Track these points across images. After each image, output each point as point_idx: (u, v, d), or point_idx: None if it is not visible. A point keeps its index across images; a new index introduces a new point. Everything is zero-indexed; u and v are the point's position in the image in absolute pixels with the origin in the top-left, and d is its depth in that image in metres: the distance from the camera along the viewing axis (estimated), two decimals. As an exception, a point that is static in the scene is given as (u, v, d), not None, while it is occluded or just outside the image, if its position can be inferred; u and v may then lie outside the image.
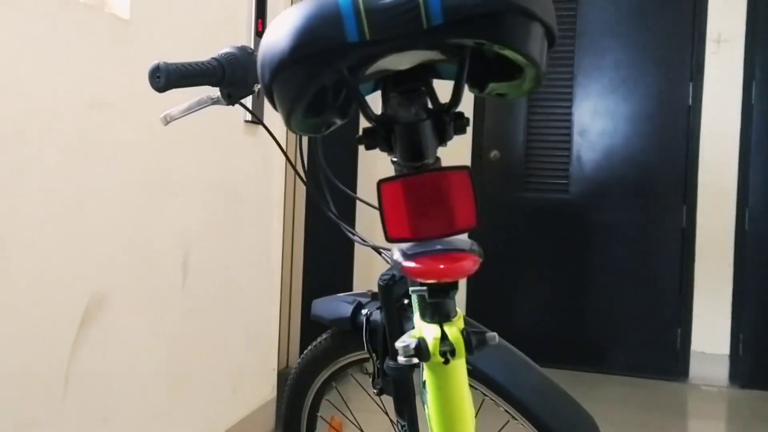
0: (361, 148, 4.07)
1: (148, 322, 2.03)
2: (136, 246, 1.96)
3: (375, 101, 0.83)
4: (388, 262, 1.04)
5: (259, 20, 2.50)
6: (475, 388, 1.28)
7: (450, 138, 0.81)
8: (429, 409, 0.86)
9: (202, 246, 2.28)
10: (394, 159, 0.81)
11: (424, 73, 0.82)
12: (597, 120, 4.30)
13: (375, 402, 1.51)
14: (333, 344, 1.47)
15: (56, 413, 1.69)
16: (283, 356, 3.32)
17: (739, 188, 4.02)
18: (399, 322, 1.20)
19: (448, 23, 0.68)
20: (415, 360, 0.81)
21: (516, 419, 1.24)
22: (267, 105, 2.46)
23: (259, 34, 2.49)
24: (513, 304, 4.40)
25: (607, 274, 4.25)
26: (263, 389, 2.76)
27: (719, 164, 4.06)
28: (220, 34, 2.30)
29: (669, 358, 4.14)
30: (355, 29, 0.69)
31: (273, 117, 2.57)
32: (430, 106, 0.82)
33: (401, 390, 1.27)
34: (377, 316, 1.29)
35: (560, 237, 4.34)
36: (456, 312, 0.83)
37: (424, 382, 0.91)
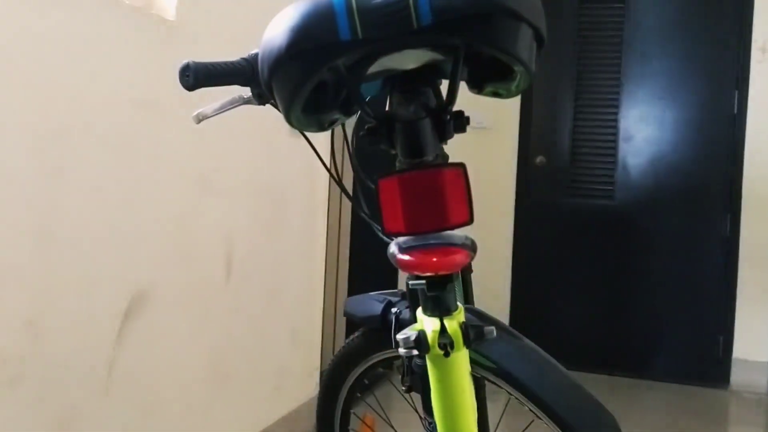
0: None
1: (191, 318, 2.08)
2: (180, 244, 2.02)
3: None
4: None
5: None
6: (500, 387, 1.30)
7: (450, 136, 0.83)
8: (432, 401, 0.88)
9: (246, 246, 2.33)
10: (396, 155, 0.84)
11: (430, 73, 0.84)
12: (643, 127, 4.28)
13: (405, 399, 1.53)
14: (364, 342, 1.50)
15: (99, 404, 1.74)
16: (327, 355, 3.36)
17: (784, 197, 3.98)
18: None
19: (436, 23, 0.70)
20: (415, 351, 0.84)
21: (540, 418, 1.26)
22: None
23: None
24: (556, 309, 4.39)
25: (650, 280, 4.22)
26: (306, 387, 2.80)
27: (763, 173, 4.01)
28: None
29: (711, 365, 4.09)
30: (348, 28, 0.71)
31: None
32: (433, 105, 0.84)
33: (429, 387, 1.29)
34: (406, 314, 1.31)
35: (604, 243, 4.32)
36: (457, 306, 0.86)
37: None
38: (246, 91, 1.07)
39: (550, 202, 4.41)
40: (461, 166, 0.79)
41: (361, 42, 0.72)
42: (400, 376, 1.35)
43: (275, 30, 0.75)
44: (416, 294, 1.27)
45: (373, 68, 0.81)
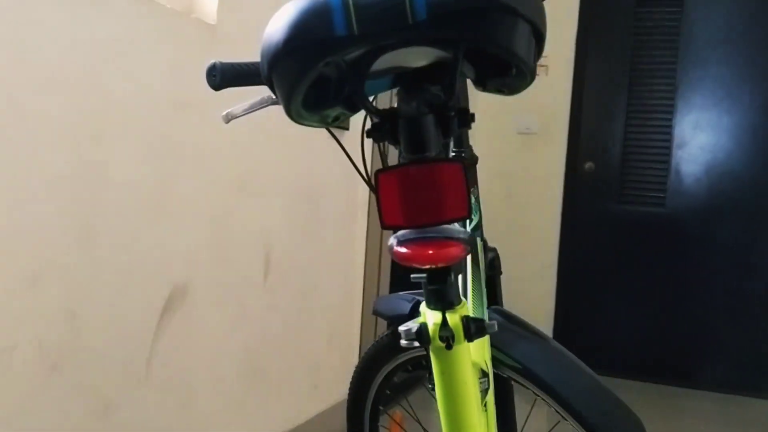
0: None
1: (228, 314, 2.13)
2: (218, 242, 2.07)
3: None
4: None
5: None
6: (526, 387, 1.31)
7: (454, 133, 0.83)
8: (436, 393, 0.90)
9: (284, 245, 2.38)
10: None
11: (439, 71, 0.84)
12: (698, 133, 4.22)
13: (432, 397, 1.55)
14: (393, 341, 1.52)
15: (137, 396, 1.80)
16: (367, 356, 3.38)
17: (844, 206, 3.88)
18: None
19: (431, 19, 0.71)
20: (416, 343, 0.86)
21: (565, 419, 1.27)
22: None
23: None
24: (603, 316, 4.35)
25: (700, 289, 4.16)
26: (343, 386, 2.83)
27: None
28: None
29: (761, 375, 4.02)
30: (344, 23, 0.72)
31: (354, 121, 2.63)
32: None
33: None
34: None
35: (654, 251, 4.27)
36: (460, 300, 0.87)
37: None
38: None
39: (599, 209, 4.38)
40: (460, 161, 0.80)
41: (357, 37, 0.73)
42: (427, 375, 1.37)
43: (274, 26, 0.77)
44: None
45: (381, 65, 0.82)
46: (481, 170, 4.52)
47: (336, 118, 0.91)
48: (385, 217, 0.81)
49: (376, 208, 3.31)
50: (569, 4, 4.38)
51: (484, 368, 1.09)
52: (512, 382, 1.48)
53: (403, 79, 0.86)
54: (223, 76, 1.09)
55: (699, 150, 4.21)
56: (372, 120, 0.86)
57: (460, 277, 1.25)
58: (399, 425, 1.90)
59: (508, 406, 1.59)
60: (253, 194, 2.21)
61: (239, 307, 2.19)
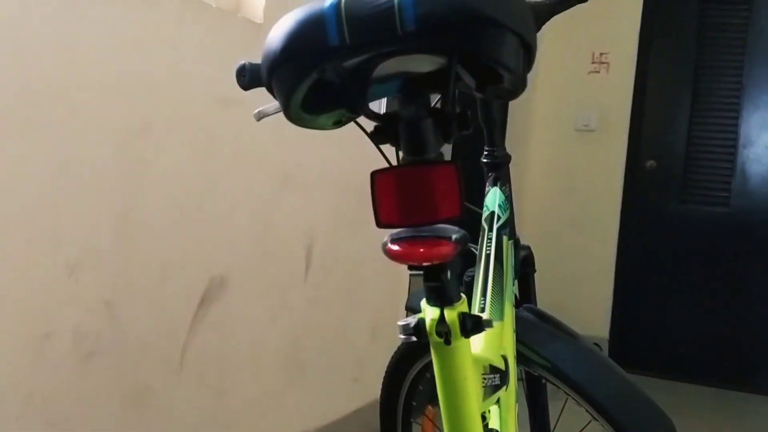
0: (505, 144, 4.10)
1: (267, 306, 2.17)
2: (260, 235, 2.11)
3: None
4: None
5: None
6: (558, 387, 1.31)
7: (454, 134, 0.85)
8: (437, 387, 0.92)
9: (327, 240, 2.40)
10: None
11: (443, 77, 0.86)
12: (764, 132, 4.16)
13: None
14: (425, 336, 1.53)
15: (172, 383, 1.85)
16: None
17: None
18: None
19: (420, 30, 0.74)
20: (414, 338, 0.88)
21: (596, 419, 1.26)
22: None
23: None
24: (662, 317, 4.29)
25: (764, 291, 4.07)
26: (388, 382, 2.84)
27: None
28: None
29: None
30: (336, 33, 0.76)
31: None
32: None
33: None
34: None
35: (717, 251, 4.20)
36: (460, 297, 0.88)
37: None
38: None
39: (660, 207, 4.31)
40: (454, 164, 0.82)
41: (349, 47, 0.76)
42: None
43: (273, 35, 0.81)
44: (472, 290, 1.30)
45: (387, 70, 0.85)
46: (539, 167, 4.49)
47: (339, 121, 0.94)
48: (381, 216, 0.83)
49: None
50: (632, 1, 4.32)
51: (496, 364, 1.10)
52: (544, 381, 1.48)
53: (406, 84, 0.89)
54: (251, 77, 1.16)
55: (765, 149, 4.14)
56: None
57: (481, 274, 1.26)
58: (431, 421, 1.91)
59: (540, 405, 1.59)
60: (296, 189, 2.24)
61: (280, 300, 2.22)
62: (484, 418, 1.08)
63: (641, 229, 4.34)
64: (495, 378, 1.09)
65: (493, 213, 1.34)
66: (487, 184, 1.41)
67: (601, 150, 4.38)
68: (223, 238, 1.98)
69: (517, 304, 1.42)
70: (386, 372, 1.72)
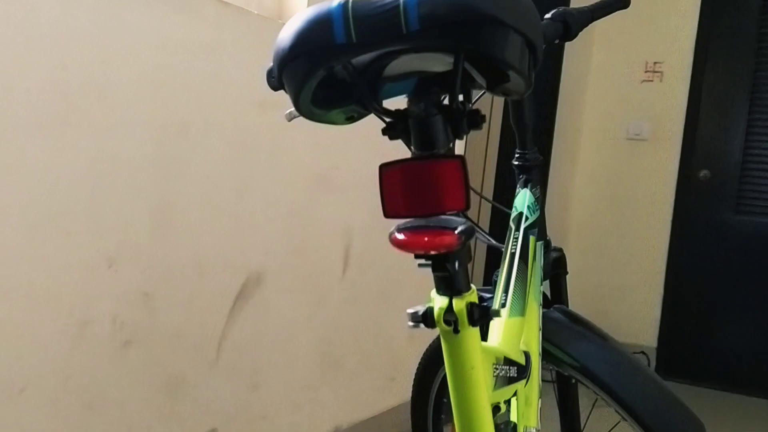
0: (555, 152, 4.11)
1: (303, 304, 2.23)
2: (296, 234, 2.17)
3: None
4: None
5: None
6: (588, 387, 1.34)
7: (464, 131, 0.89)
8: (447, 376, 0.96)
9: (364, 241, 2.45)
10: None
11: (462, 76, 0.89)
12: (823, 143, 4.06)
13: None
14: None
15: (207, 375, 1.92)
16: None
17: None
18: None
19: (423, 29, 0.77)
20: (422, 326, 0.92)
21: (625, 420, 1.28)
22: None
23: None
24: (713, 328, 4.22)
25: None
26: (426, 383, 2.87)
27: None
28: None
29: None
30: (343, 32, 0.80)
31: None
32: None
33: None
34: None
35: (772, 263, 4.12)
36: (469, 288, 0.92)
37: None
38: None
39: (713, 218, 4.25)
40: (459, 158, 0.85)
41: (355, 45, 0.80)
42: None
43: (284, 34, 0.86)
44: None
45: (401, 69, 0.89)
46: (588, 176, 4.47)
47: (351, 117, 1.00)
48: (387, 208, 0.88)
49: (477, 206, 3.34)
50: (688, 10, 4.27)
51: (513, 357, 1.13)
52: (574, 381, 1.50)
53: (419, 82, 0.93)
54: (280, 78, 1.21)
55: (823, 160, 4.05)
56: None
57: (504, 272, 1.30)
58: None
59: (571, 405, 1.61)
60: (333, 190, 2.30)
61: (316, 299, 2.28)
62: (499, 408, 1.11)
63: (692, 240, 4.28)
64: (510, 370, 1.12)
65: (521, 214, 1.37)
66: (518, 185, 1.44)
67: (652, 159, 4.34)
68: (260, 236, 2.04)
69: (549, 305, 1.46)
70: (417, 370, 1.76)
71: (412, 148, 0.91)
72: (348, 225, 2.38)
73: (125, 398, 1.71)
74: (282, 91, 0.93)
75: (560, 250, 1.54)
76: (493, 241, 1.45)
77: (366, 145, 2.40)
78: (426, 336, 2.85)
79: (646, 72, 4.33)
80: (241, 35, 1.92)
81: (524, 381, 1.18)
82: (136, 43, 1.66)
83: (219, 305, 1.94)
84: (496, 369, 1.06)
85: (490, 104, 3.52)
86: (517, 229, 1.35)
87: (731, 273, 4.20)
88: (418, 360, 2.82)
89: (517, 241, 1.33)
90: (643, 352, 4.17)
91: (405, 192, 0.86)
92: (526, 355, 1.20)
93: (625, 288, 4.35)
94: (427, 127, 0.88)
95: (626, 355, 1.36)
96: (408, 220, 0.87)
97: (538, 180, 1.45)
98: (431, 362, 1.75)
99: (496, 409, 1.09)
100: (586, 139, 4.48)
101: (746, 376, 4.12)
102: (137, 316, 1.72)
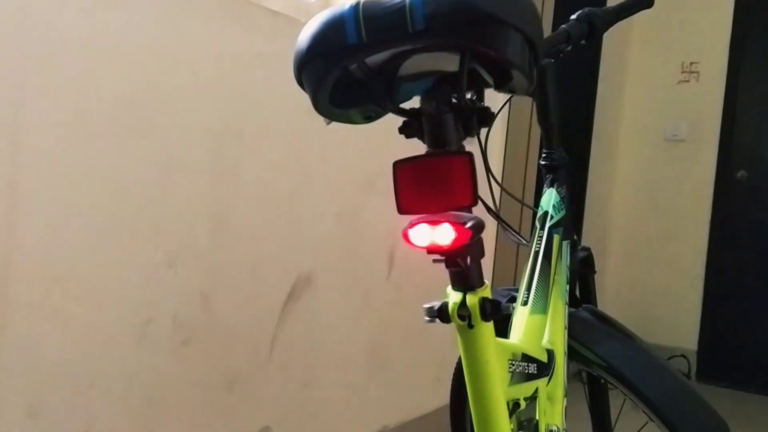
0: (593, 154, 4.12)
1: (351, 304, 2.28)
2: (344, 237, 2.22)
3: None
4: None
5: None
6: (616, 387, 1.35)
7: (474, 129, 0.93)
8: (463, 369, 0.98)
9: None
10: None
11: (470, 75, 0.92)
12: None
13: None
14: (492, 334, 1.58)
15: (260, 373, 1.97)
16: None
17: None
18: None
19: (428, 28, 0.81)
20: (437, 320, 0.95)
21: (652, 420, 1.30)
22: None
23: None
24: (755, 331, 4.19)
25: None
26: (470, 383, 2.89)
27: None
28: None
29: None
30: (355, 33, 0.84)
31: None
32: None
33: None
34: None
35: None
36: (483, 283, 0.95)
37: None
38: None
39: (752, 218, 4.22)
40: (467, 155, 0.88)
41: (366, 45, 0.84)
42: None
43: (302, 36, 0.91)
44: None
45: (417, 69, 0.92)
46: (626, 177, 4.48)
47: (368, 117, 1.02)
48: (402, 205, 0.91)
49: (518, 208, 3.38)
50: (723, 10, 4.27)
51: (533, 354, 1.14)
52: (603, 381, 1.51)
53: (435, 83, 0.96)
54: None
55: None
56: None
57: (528, 270, 1.30)
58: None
59: (601, 404, 1.63)
60: (380, 193, 2.34)
61: (363, 299, 2.33)
62: (518, 405, 1.10)
63: (732, 241, 4.26)
64: (528, 367, 1.12)
65: (546, 213, 1.38)
66: (545, 185, 1.45)
67: (690, 160, 4.33)
68: (310, 238, 2.10)
69: (577, 305, 1.46)
70: (454, 372, 1.77)
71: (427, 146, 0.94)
72: (393, 228, 2.41)
73: (185, 394, 1.77)
74: None
75: (588, 249, 1.55)
76: (524, 241, 1.44)
77: (410, 150, 2.44)
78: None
79: (682, 72, 4.33)
80: (292, 44, 1.97)
81: (546, 379, 1.19)
82: (196, 54, 1.73)
83: (271, 305, 2.00)
84: (512, 365, 1.07)
85: (530, 105, 3.54)
86: (542, 228, 1.36)
87: (770, 275, 4.18)
88: (461, 361, 2.85)
89: (541, 240, 1.34)
90: (683, 356, 4.16)
91: (416, 188, 0.89)
92: (550, 353, 1.21)
93: (666, 290, 4.34)
94: (438, 125, 0.92)
95: (653, 355, 1.37)
96: (419, 216, 0.90)
97: (564, 179, 1.46)
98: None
99: (516, 405, 1.09)
100: (624, 141, 4.49)
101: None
102: (195, 315, 1.78)
